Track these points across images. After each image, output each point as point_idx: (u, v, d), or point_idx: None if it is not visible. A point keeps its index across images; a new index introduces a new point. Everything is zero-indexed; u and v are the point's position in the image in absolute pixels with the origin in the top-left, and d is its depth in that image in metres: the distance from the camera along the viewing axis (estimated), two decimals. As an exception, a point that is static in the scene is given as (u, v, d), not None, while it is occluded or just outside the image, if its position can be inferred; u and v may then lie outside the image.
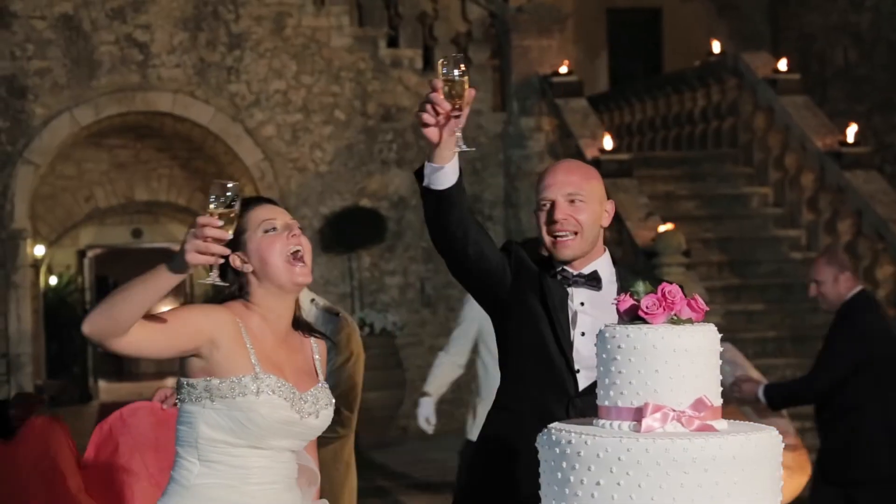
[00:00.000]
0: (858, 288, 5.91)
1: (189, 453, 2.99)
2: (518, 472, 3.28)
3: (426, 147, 3.22)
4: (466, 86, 3.13)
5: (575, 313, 3.39)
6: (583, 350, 3.36)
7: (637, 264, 10.44)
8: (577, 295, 3.40)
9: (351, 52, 12.62)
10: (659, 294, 2.80)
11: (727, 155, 12.82)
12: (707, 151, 13.06)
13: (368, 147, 12.64)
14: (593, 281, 3.39)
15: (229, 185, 2.86)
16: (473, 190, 12.78)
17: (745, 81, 12.61)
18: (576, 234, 3.38)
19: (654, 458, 2.60)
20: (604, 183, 3.55)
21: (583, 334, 3.37)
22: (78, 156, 14.41)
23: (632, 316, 2.83)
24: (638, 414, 2.72)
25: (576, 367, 3.37)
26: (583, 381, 3.36)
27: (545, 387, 3.39)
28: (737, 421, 2.87)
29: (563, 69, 12.65)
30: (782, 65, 12.38)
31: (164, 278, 2.83)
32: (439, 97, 3.10)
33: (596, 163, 11.56)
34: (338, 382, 4.12)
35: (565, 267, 3.43)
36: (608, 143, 11.77)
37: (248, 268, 3.10)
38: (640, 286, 2.83)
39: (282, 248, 3.09)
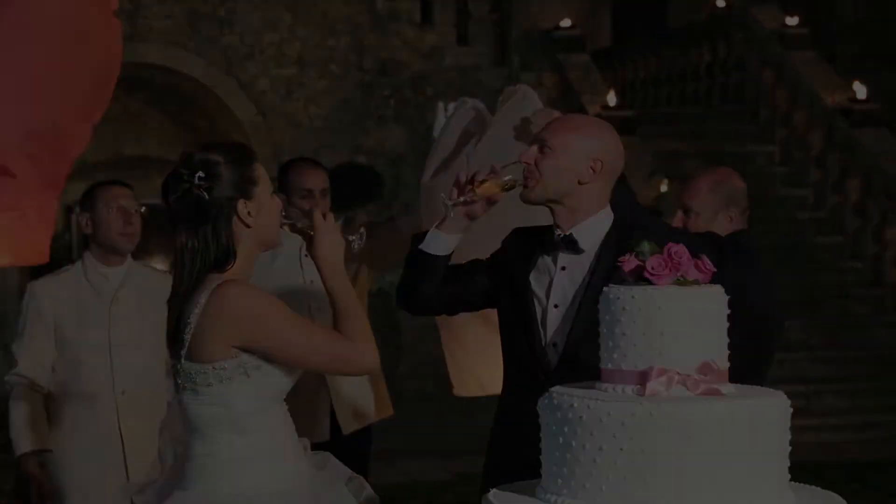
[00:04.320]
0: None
1: (224, 430, 3.00)
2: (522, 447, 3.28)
3: (443, 211, 3.40)
4: (495, 189, 3.33)
5: (551, 281, 3.39)
6: (555, 322, 3.37)
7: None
8: (562, 258, 3.39)
9: (347, 3, 12.45)
10: (665, 254, 2.76)
11: (733, 112, 12.80)
12: (713, 108, 13.08)
13: (365, 102, 12.53)
14: (572, 246, 3.37)
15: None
16: (472, 146, 12.62)
17: (753, 36, 12.67)
18: (537, 179, 3.37)
19: (659, 423, 2.59)
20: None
21: (556, 306, 3.37)
22: (66, 109, 14.23)
23: (637, 277, 2.79)
24: (642, 377, 2.71)
25: (551, 341, 3.37)
26: (555, 357, 3.36)
27: (521, 367, 3.42)
28: (744, 385, 2.83)
29: (566, 23, 12.63)
30: (791, 19, 12.36)
31: None
32: (480, 176, 3.32)
33: (598, 119, 11.45)
34: None
35: (555, 230, 3.42)
36: (611, 99, 11.75)
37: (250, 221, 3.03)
38: (646, 246, 2.79)
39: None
